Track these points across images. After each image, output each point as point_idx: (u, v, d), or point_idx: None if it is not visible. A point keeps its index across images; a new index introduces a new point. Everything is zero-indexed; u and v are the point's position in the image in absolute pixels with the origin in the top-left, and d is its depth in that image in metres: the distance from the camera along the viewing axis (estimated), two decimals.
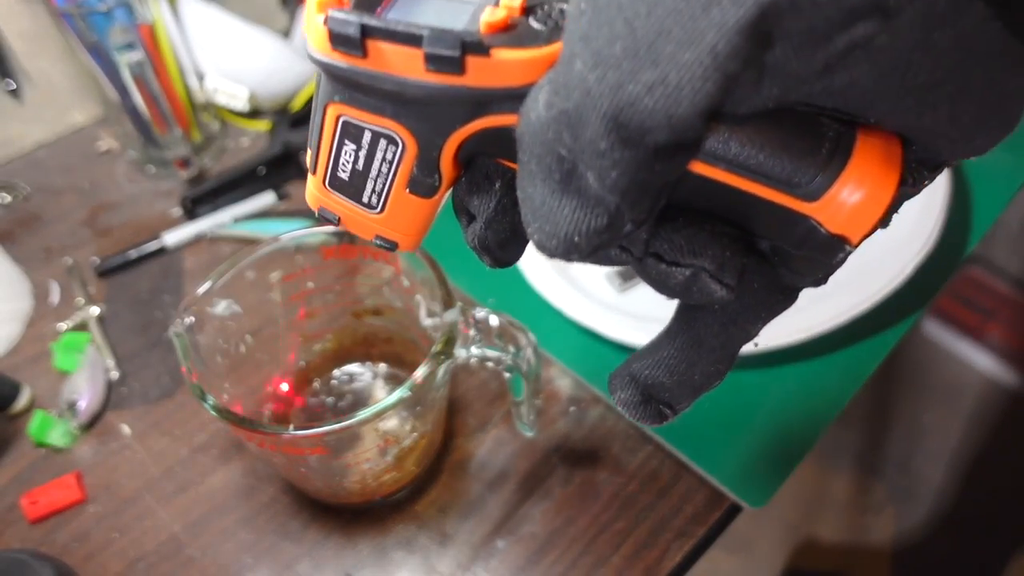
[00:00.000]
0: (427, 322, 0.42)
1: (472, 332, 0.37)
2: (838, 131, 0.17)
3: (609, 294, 0.52)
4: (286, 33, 0.76)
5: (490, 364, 0.38)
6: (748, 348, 0.22)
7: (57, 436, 0.47)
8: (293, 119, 0.66)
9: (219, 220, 0.60)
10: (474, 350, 0.38)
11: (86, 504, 0.45)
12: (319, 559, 0.42)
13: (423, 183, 0.20)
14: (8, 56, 0.63)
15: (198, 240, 0.60)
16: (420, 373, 0.34)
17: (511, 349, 0.38)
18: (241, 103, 0.67)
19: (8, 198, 0.64)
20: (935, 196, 0.50)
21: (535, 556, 0.41)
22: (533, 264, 0.52)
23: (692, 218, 0.19)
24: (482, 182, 0.21)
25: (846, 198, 0.17)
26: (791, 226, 0.18)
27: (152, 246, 0.58)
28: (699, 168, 0.17)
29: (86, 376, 0.48)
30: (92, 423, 0.48)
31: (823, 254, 0.18)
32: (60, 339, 0.52)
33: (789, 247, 0.18)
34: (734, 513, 0.43)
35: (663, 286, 0.20)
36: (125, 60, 0.57)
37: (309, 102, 0.68)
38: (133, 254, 0.58)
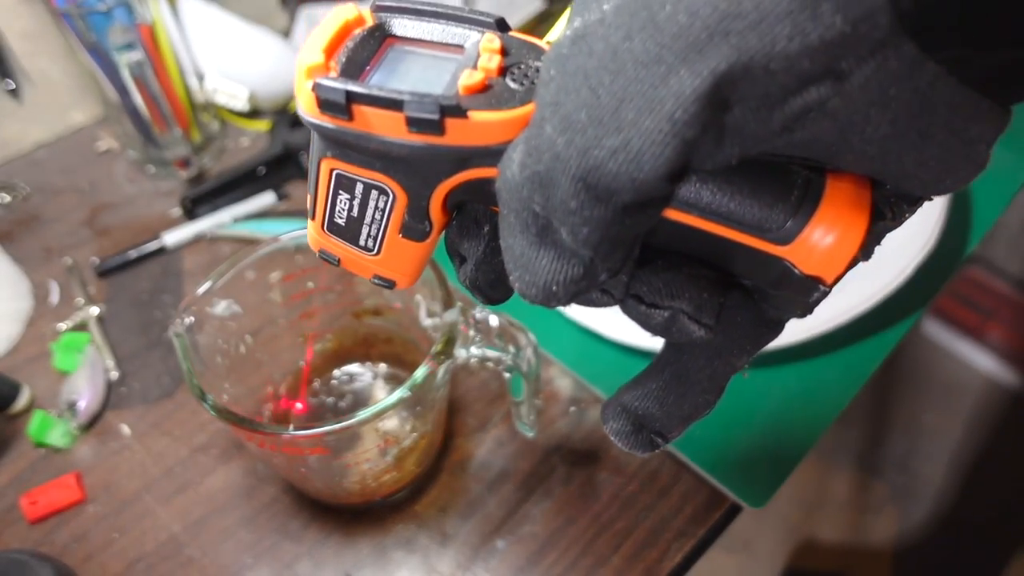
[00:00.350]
0: (427, 322, 0.42)
1: (472, 332, 0.38)
2: (807, 177, 0.18)
3: None
4: (286, 33, 0.76)
5: (490, 364, 0.38)
6: (739, 376, 0.23)
7: (57, 436, 0.47)
8: (293, 119, 0.66)
9: (219, 220, 0.60)
10: (474, 350, 0.38)
11: (86, 504, 0.45)
12: (319, 559, 0.42)
13: (415, 229, 0.21)
14: (8, 56, 0.63)
15: (198, 240, 0.60)
16: (420, 373, 0.34)
17: (511, 349, 0.38)
18: (241, 103, 0.67)
19: (8, 198, 0.64)
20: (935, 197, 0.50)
21: (535, 556, 0.41)
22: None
23: (671, 261, 0.20)
24: (471, 227, 0.22)
25: (817, 241, 0.18)
26: (767, 268, 0.18)
27: (152, 246, 0.58)
28: (674, 215, 0.18)
29: (86, 376, 0.48)
30: (92, 423, 0.48)
31: (799, 293, 0.19)
32: (60, 339, 0.52)
33: (766, 287, 0.19)
34: (734, 513, 0.43)
35: (645, 325, 0.20)
36: (125, 60, 0.57)
37: None
38: (133, 254, 0.58)
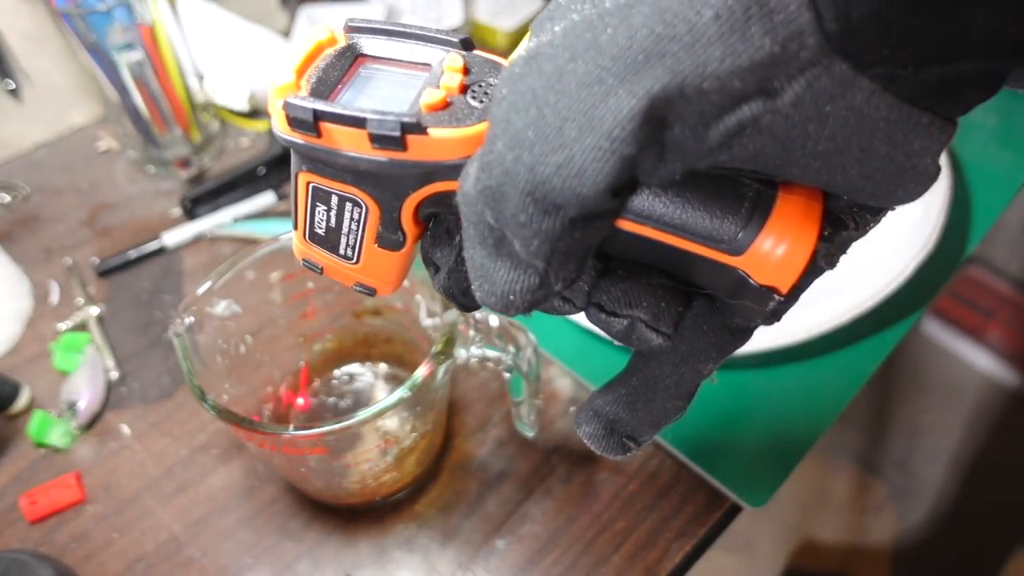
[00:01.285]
0: (427, 322, 0.42)
1: (472, 332, 0.38)
2: (758, 189, 0.18)
3: None
4: (286, 33, 0.76)
5: (490, 364, 0.38)
6: (707, 382, 0.23)
7: (57, 436, 0.47)
8: None
9: (219, 220, 0.60)
10: (474, 350, 0.38)
11: (86, 504, 0.45)
12: (319, 559, 0.42)
13: (389, 239, 0.22)
14: (8, 56, 0.62)
15: (198, 240, 0.60)
16: (420, 373, 0.34)
17: (511, 349, 0.38)
18: (241, 103, 0.67)
19: (8, 198, 0.64)
20: (935, 196, 0.50)
21: (535, 556, 0.41)
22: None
23: (632, 271, 0.20)
24: (443, 236, 0.23)
25: (769, 252, 0.18)
26: (723, 277, 0.19)
27: (152, 246, 0.58)
28: (629, 226, 0.19)
29: (86, 376, 0.48)
30: (92, 423, 0.48)
31: (756, 302, 0.19)
32: (60, 339, 0.52)
33: (724, 296, 0.20)
34: (734, 513, 0.43)
35: (607, 332, 0.21)
36: (125, 60, 0.57)
37: None
38: (133, 254, 0.58)
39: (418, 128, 0.19)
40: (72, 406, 0.47)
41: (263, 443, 0.35)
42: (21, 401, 0.48)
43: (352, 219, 0.22)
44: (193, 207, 0.61)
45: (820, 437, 0.44)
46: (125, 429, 0.48)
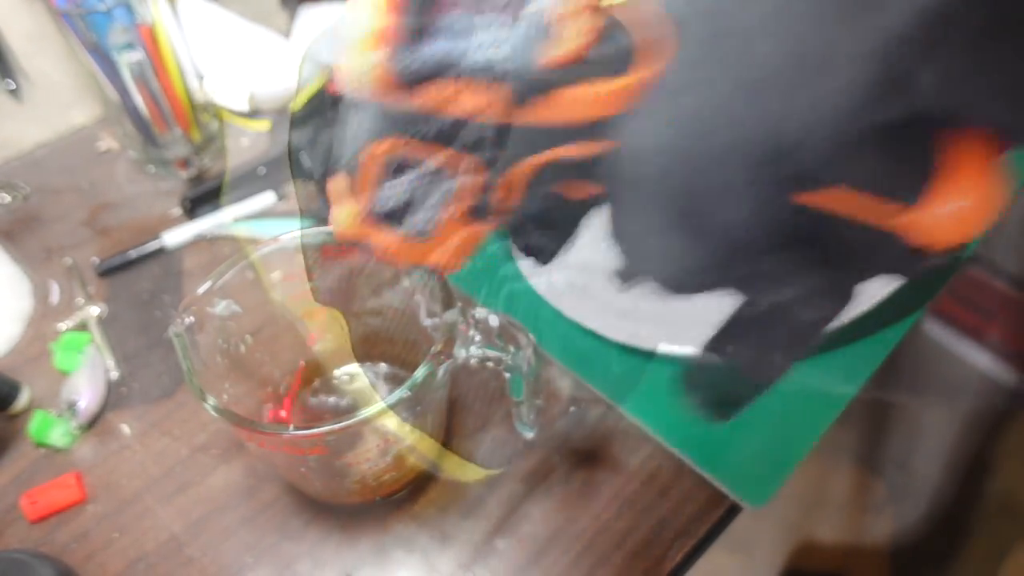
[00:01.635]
0: (427, 322, 0.42)
1: (472, 332, 0.37)
2: (934, 146, 0.16)
3: (609, 294, 0.52)
4: (286, 33, 0.76)
5: (490, 364, 0.38)
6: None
7: (57, 436, 0.47)
8: (293, 119, 0.66)
9: (219, 220, 0.60)
10: (474, 350, 0.38)
11: (86, 504, 0.45)
12: (319, 558, 0.42)
13: (484, 209, 0.20)
14: (8, 56, 0.62)
15: (198, 240, 0.60)
16: (420, 373, 0.34)
17: (511, 349, 0.38)
18: (241, 103, 0.67)
19: (8, 198, 0.64)
20: None
21: (535, 556, 0.41)
22: (532, 264, 0.52)
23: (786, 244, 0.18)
24: (543, 202, 0.20)
25: (946, 208, 0.15)
26: (887, 244, 0.17)
27: (152, 246, 0.58)
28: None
29: (86, 376, 0.48)
30: (92, 423, 0.48)
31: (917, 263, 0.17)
32: (60, 339, 0.52)
33: (888, 272, 0.17)
34: (734, 513, 0.43)
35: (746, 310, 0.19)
36: (125, 60, 0.57)
37: (309, 102, 0.68)
38: (133, 254, 0.58)
39: (545, 85, 0.16)
40: (72, 406, 0.47)
41: (263, 443, 0.35)
42: (21, 401, 0.48)
43: (440, 190, 0.19)
44: (193, 207, 0.61)
45: (820, 437, 0.44)
46: (125, 429, 0.48)
